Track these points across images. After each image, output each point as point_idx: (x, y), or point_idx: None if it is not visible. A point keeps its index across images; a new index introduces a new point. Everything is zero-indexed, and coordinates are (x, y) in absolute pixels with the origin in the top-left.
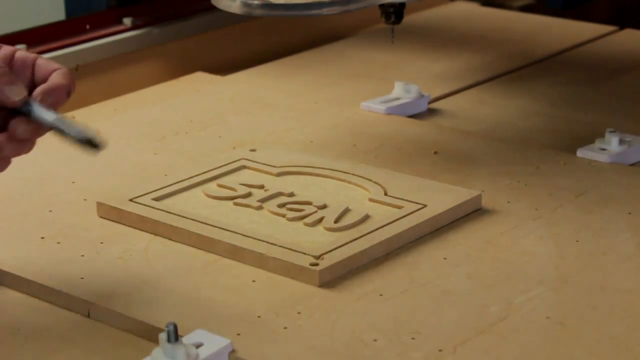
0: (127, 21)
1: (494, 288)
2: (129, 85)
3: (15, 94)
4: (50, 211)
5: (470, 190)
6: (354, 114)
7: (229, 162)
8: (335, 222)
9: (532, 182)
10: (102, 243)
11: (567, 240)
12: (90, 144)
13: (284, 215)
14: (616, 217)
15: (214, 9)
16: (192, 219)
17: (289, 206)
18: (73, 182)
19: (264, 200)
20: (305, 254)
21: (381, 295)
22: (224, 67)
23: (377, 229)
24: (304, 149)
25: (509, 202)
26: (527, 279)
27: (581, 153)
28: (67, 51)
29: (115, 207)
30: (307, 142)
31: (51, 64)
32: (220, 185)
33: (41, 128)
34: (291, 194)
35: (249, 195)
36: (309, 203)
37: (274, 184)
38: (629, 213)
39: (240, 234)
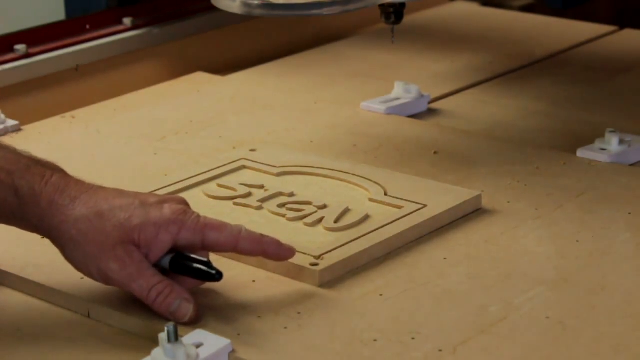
0: (127, 21)
1: (494, 288)
2: (129, 85)
3: (184, 313)
4: None
5: (470, 190)
6: (354, 114)
7: (229, 162)
8: (335, 222)
9: (532, 182)
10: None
11: (567, 240)
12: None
13: (284, 215)
14: (616, 217)
15: (214, 9)
16: None
17: (289, 206)
18: None
19: (264, 200)
20: (305, 254)
21: (381, 295)
22: (224, 67)
23: (377, 229)
24: (304, 149)
25: (509, 202)
26: (527, 279)
27: (581, 153)
28: (67, 51)
29: None
30: (307, 142)
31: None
32: (220, 185)
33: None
34: (291, 194)
35: (249, 195)
36: (309, 203)
37: (274, 184)
38: (629, 213)
39: None
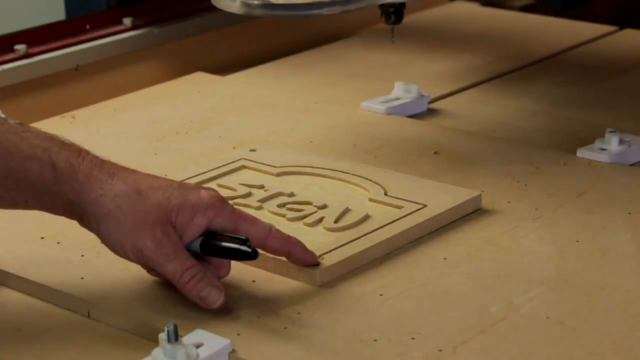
0: (127, 21)
1: (494, 288)
2: (129, 85)
3: (214, 300)
4: None
5: (470, 190)
6: (354, 114)
7: (229, 162)
8: (335, 222)
9: (532, 182)
10: (102, 243)
11: (567, 240)
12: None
13: (284, 216)
14: (616, 217)
15: (214, 9)
16: None
17: (289, 206)
18: None
19: (264, 200)
20: None
21: (381, 295)
22: (224, 67)
23: (377, 229)
24: (304, 149)
25: (509, 202)
26: (527, 279)
27: (581, 153)
28: (67, 51)
29: None
30: (307, 142)
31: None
32: (220, 185)
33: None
34: (291, 194)
35: (249, 195)
36: (309, 203)
37: (274, 184)
38: (629, 213)
39: None
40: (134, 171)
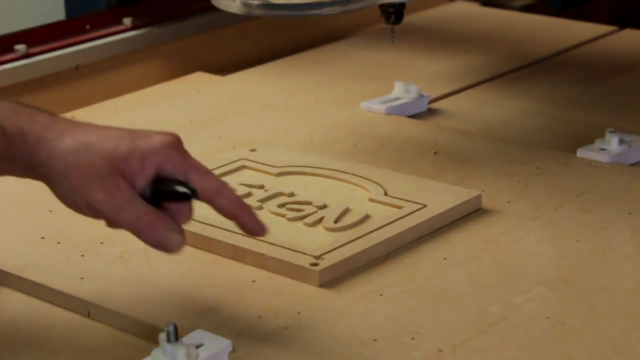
0: (127, 21)
1: (494, 288)
2: (129, 85)
3: (176, 244)
4: (50, 211)
5: (470, 190)
6: (354, 114)
7: (229, 162)
8: (335, 222)
9: (532, 182)
10: (102, 243)
11: (567, 240)
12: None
13: (284, 216)
14: (616, 217)
15: (214, 9)
16: (192, 219)
17: (288, 206)
18: None
19: (264, 200)
20: (305, 254)
21: (381, 295)
22: (224, 67)
23: (377, 229)
24: (304, 149)
25: (509, 202)
26: (527, 279)
27: (581, 153)
28: (67, 51)
29: None
30: (307, 142)
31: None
32: None
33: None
34: (291, 194)
35: (249, 195)
36: (309, 203)
37: (274, 184)
38: (629, 213)
39: (240, 234)
40: (88, 125)
